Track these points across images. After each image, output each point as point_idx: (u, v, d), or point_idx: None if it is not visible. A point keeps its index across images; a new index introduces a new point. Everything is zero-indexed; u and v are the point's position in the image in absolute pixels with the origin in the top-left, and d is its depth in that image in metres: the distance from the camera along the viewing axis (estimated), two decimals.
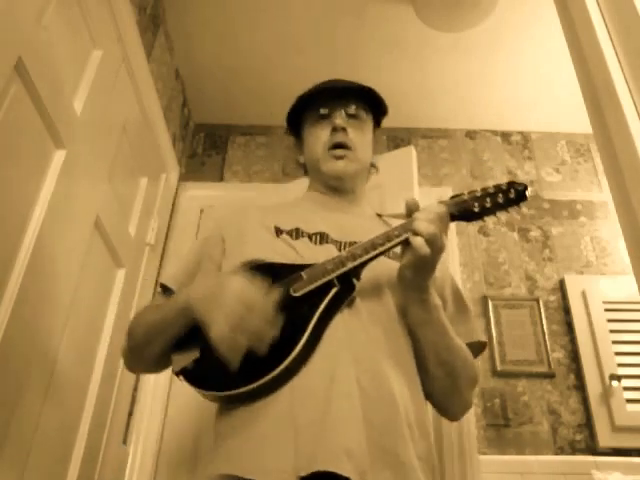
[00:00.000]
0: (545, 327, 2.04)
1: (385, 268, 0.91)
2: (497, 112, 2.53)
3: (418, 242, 0.81)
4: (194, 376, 0.82)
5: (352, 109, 1.10)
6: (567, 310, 2.09)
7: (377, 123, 1.20)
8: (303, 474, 0.68)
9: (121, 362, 1.60)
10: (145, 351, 0.92)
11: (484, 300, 2.11)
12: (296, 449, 0.71)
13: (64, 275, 1.29)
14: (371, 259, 0.86)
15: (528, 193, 0.87)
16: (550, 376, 1.96)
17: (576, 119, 2.24)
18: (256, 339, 0.75)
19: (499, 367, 1.97)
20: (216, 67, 2.30)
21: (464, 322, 1.03)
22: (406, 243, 0.84)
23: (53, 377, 1.24)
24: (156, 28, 2.01)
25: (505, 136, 2.61)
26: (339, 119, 1.08)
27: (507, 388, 1.94)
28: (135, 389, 1.83)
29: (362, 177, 1.15)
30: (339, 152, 1.07)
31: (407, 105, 2.49)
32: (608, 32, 0.93)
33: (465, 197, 0.88)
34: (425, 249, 0.81)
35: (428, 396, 0.93)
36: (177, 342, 0.87)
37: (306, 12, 2.08)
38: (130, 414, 1.79)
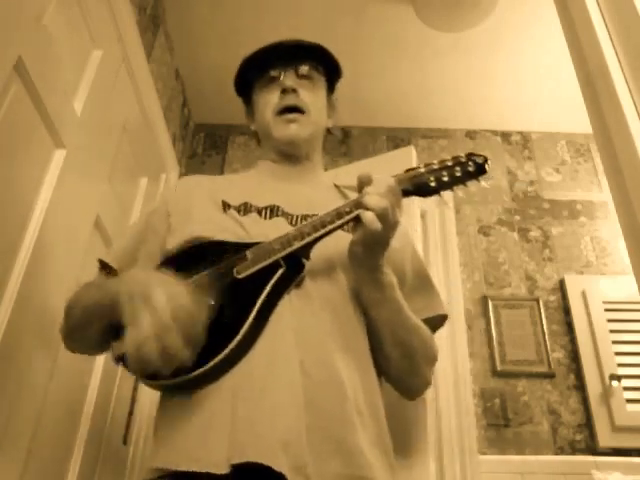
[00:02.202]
0: (545, 327, 2.04)
1: (338, 245, 0.84)
2: (497, 112, 2.53)
3: (369, 217, 0.76)
4: None
5: (304, 69, 1.03)
6: (567, 310, 2.09)
7: (331, 87, 1.13)
8: (234, 462, 0.65)
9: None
10: (82, 334, 0.87)
11: (484, 300, 2.11)
12: (230, 438, 0.67)
13: (64, 275, 1.29)
14: (320, 237, 0.81)
15: (487, 166, 0.82)
16: (550, 376, 1.96)
17: (576, 119, 2.24)
18: (167, 360, 0.67)
19: (499, 367, 1.97)
20: (216, 67, 2.30)
21: (425, 296, 0.98)
22: (357, 219, 0.79)
23: (53, 377, 1.24)
24: (156, 28, 2.01)
25: (505, 136, 2.61)
26: (289, 80, 1.02)
27: (507, 388, 1.95)
28: (135, 389, 1.83)
29: (317, 142, 1.08)
30: (291, 116, 1.00)
31: (407, 105, 2.49)
32: (608, 32, 0.93)
33: (421, 170, 0.83)
34: (376, 224, 0.75)
35: (386, 377, 0.90)
36: (117, 327, 0.76)
37: (306, 12, 2.08)
38: (130, 414, 1.78)
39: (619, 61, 0.89)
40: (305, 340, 0.76)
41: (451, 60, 2.27)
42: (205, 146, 2.57)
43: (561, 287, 2.15)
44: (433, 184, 0.82)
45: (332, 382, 0.75)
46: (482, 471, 1.73)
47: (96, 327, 0.83)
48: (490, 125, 2.61)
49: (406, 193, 0.82)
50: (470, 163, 0.83)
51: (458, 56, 2.25)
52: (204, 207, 0.93)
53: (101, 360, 1.52)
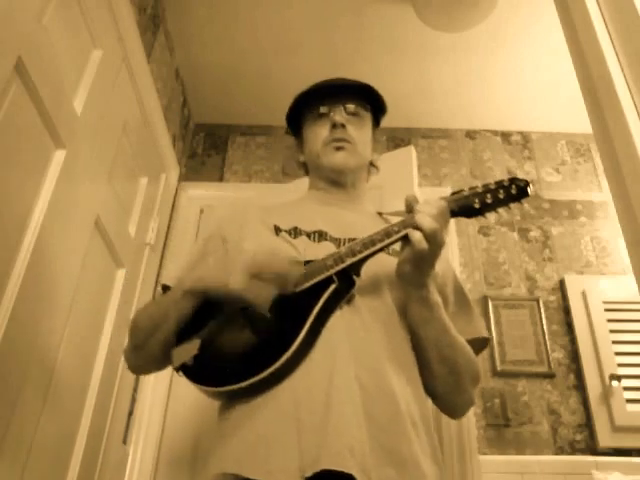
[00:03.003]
0: (545, 327, 2.04)
1: (384, 265, 0.91)
2: (497, 112, 2.53)
3: (417, 237, 0.81)
4: (193, 372, 0.82)
5: (351, 107, 1.11)
6: (567, 310, 2.09)
7: (376, 122, 1.20)
8: (308, 474, 0.68)
9: (121, 362, 1.60)
10: (147, 346, 0.91)
11: (484, 300, 2.11)
12: (300, 449, 0.71)
13: (64, 275, 1.29)
14: (370, 255, 0.86)
15: (530, 189, 0.87)
16: (550, 376, 1.96)
17: (576, 119, 2.24)
18: (281, 279, 0.76)
19: (499, 367, 1.97)
20: (216, 67, 2.30)
21: (466, 318, 1.02)
22: (405, 239, 0.84)
23: (53, 377, 1.24)
24: (156, 28, 2.01)
25: (505, 136, 2.61)
26: (338, 115, 1.09)
27: (507, 388, 1.94)
28: (135, 389, 1.83)
29: (362, 173, 1.15)
30: (339, 143, 1.07)
31: (407, 105, 2.49)
32: (608, 32, 0.93)
33: (466, 193, 0.88)
34: (423, 244, 0.81)
35: (430, 394, 0.93)
36: (177, 337, 0.86)
37: (306, 12, 2.08)
38: (130, 414, 1.79)
39: (619, 61, 0.89)
40: (358, 353, 0.80)
41: (451, 60, 2.27)
42: (205, 146, 2.57)
43: (561, 287, 2.15)
44: (477, 206, 0.87)
45: (386, 394, 0.79)
46: (482, 471, 1.73)
47: (160, 335, 0.88)
48: (490, 125, 2.61)
49: (453, 214, 0.87)
50: (513, 187, 0.87)
51: (458, 56, 2.25)
52: (257, 230, 0.98)
53: (101, 360, 1.52)
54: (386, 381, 0.80)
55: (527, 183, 0.87)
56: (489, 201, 0.86)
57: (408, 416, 0.79)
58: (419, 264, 0.84)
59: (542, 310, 2.08)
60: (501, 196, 0.86)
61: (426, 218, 0.82)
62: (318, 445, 0.70)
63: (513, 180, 0.88)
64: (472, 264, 2.21)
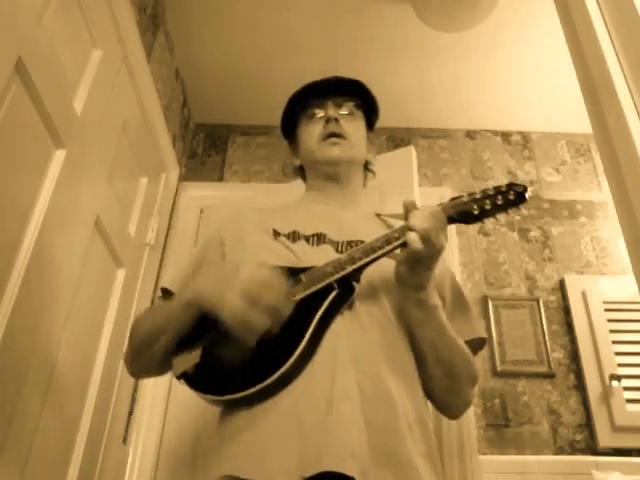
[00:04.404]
0: (545, 327, 2.04)
1: (384, 269, 0.91)
2: (497, 112, 2.53)
3: (411, 236, 0.82)
4: (195, 380, 0.82)
5: (344, 104, 1.13)
6: (567, 310, 2.08)
7: (370, 124, 1.20)
8: (308, 475, 0.69)
9: (121, 362, 1.60)
10: (147, 353, 0.91)
11: (484, 300, 2.11)
12: (300, 450, 0.71)
13: (64, 275, 1.29)
14: (371, 262, 0.86)
15: (527, 194, 0.87)
16: (550, 376, 1.96)
17: (576, 119, 2.23)
18: (273, 316, 0.75)
19: (499, 367, 1.97)
20: (216, 67, 2.30)
21: (464, 319, 1.03)
22: (405, 246, 0.84)
23: (53, 377, 1.24)
24: (156, 28, 2.01)
25: (505, 136, 2.61)
26: (331, 110, 1.10)
27: (507, 388, 1.94)
28: (135, 389, 1.83)
29: (357, 169, 1.15)
30: (334, 139, 1.08)
31: (407, 105, 2.49)
32: (608, 32, 0.93)
33: (464, 199, 0.88)
34: (418, 244, 0.81)
35: (428, 395, 0.94)
36: (178, 345, 0.87)
37: (306, 12, 2.08)
38: (130, 414, 1.79)
39: (619, 61, 0.89)
40: (358, 358, 0.81)
41: (451, 60, 2.27)
42: (205, 146, 2.57)
43: (561, 287, 2.15)
44: (476, 212, 0.87)
45: (384, 398, 0.80)
46: (482, 471, 1.73)
47: (161, 343, 0.88)
48: (490, 125, 2.61)
49: (451, 220, 0.87)
50: (511, 192, 0.88)
51: (458, 56, 2.25)
52: (256, 235, 1.00)
53: (101, 360, 1.52)
54: (384, 385, 0.81)
55: (525, 188, 0.87)
56: (487, 207, 0.87)
57: (404, 418, 0.80)
58: (415, 265, 0.85)
59: (542, 310, 2.08)
60: (499, 202, 0.87)
61: (418, 219, 0.82)
62: (319, 447, 0.71)
63: (511, 186, 0.88)
64: (472, 264, 2.21)
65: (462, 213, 0.87)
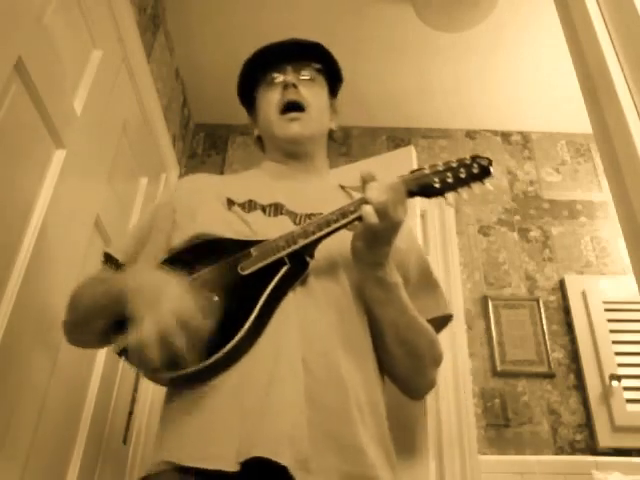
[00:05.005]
0: (545, 327, 2.04)
1: (342, 243, 0.85)
2: (497, 112, 2.54)
3: (367, 210, 0.77)
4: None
5: (304, 69, 1.06)
6: (567, 310, 2.09)
7: (332, 91, 1.13)
8: (242, 460, 0.65)
9: (121, 362, 1.60)
10: (87, 328, 0.88)
11: (484, 300, 2.11)
12: (240, 435, 0.68)
13: (64, 275, 1.29)
14: (324, 236, 0.81)
15: (492, 168, 0.83)
16: (550, 376, 1.96)
17: (576, 119, 2.23)
18: (168, 362, 0.68)
19: (499, 367, 1.97)
20: (216, 67, 2.30)
21: (428, 297, 0.98)
22: (361, 219, 0.79)
23: (53, 377, 1.24)
24: (156, 28, 2.01)
25: (505, 136, 2.61)
26: (290, 75, 1.03)
27: (507, 388, 1.94)
28: (135, 389, 1.83)
29: (320, 142, 1.09)
30: (293, 115, 1.01)
31: (407, 105, 2.49)
32: (608, 32, 0.93)
33: (426, 171, 0.83)
34: (373, 218, 0.76)
35: (390, 375, 0.91)
36: (119, 320, 0.78)
37: (306, 12, 2.08)
38: (130, 414, 1.78)
39: (619, 61, 0.89)
40: (308, 336, 0.77)
41: (451, 60, 2.27)
42: (205, 146, 2.57)
43: (561, 287, 2.15)
44: (437, 185, 0.82)
45: (333, 379, 0.76)
46: (482, 471, 1.73)
47: (101, 320, 0.83)
48: (490, 125, 2.61)
49: (411, 194, 0.82)
50: (475, 165, 0.83)
51: (458, 56, 2.25)
52: (209, 204, 0.94)
53: (101, 360, 1.52)
54: (334, 365, 0.77)
55: (490, 162, 0.83)
56: (450, 180, 0.82)
57: (355, 400, 0.76)
58: (372, 241, 0.80)
59: (542, 310, 2.08)
60: (462, 175, 0.82)
61: (374, 191, 0.77)
62: (255, 430, 0.67)
63: (475, 159, 0.84)
64: (472, 264, 2.21)
65: (423, 186, 0.82)
